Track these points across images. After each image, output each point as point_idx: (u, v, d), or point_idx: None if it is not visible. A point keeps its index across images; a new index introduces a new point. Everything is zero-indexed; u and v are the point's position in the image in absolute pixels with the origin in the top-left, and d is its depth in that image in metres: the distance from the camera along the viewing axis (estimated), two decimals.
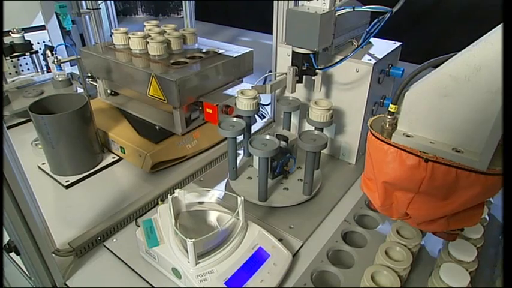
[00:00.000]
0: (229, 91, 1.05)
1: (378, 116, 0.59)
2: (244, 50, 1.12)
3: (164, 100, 0.96)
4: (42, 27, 1.47)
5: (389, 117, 0.55)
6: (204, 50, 1.12)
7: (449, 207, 0.53)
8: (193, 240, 0.57)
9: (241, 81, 1.13)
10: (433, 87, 0.50)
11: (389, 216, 0.61)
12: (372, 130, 0.56)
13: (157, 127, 1.04)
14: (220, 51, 1.11)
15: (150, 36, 1.07)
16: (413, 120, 0.53)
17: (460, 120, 0.49)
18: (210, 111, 0.97)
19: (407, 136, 0.53)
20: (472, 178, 0.49)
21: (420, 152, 0.50)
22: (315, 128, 0.81)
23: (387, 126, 0.55)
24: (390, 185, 0.55)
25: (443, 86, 0.48)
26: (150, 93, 0.99)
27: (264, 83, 0.86)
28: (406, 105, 0.54)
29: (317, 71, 0.82)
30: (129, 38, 1.08)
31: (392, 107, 0.54)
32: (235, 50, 1.11)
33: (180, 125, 1.00)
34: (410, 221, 0.60)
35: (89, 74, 1.20)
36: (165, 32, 1.13)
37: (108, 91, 1.21)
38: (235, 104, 0.84)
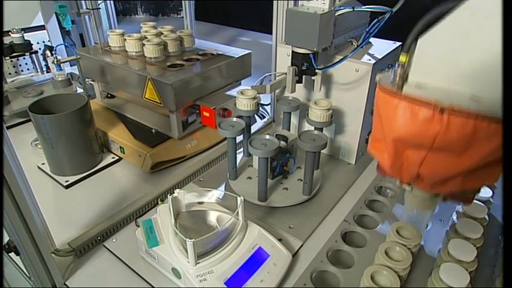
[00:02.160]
0: (227, 94, 1.04)
1: (386, 72, 0.55)
2: (242, 51, 1.10)
3: (160, 103, 0.95)
4: (41, 27, 1.47)
5: (399, 69, 0.51)
6: (201, 52, 1.10)
7: (466, 163, 0.48)
8: (193, 240, 0.57)
9: (240, 84, 1.12)
10: (450, 27, 0.45)
11: (399, 179, 0.57)
12: (380, 84, 0.51)
13: (153, 131, 1.03)
14: (218, 53, 1.09)
15: (146, 38, 1.06)
16: (426, 68, 0.49)
17: (479, 63, 0.44)
18: (207, 114, 0.96)
19: (420, 87, 0.49)
20: (492, 128, 0.44)
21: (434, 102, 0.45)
22: (315, 128, 0.81)
23: (397, 79, 0.51)
24: (401, 142, 0.50)
25: (461, 25, 0.44)
26: (146, 97, 0.97)
27: (261, 83, 0.86)
28: (418, 52, 0.50)
29: (317, 71, 0.82)
30: (125, 39, 1.07)
31: (403, 57, 0.50)
32: (234, 52, 1.10)
33: (176, 129, 0.99)
34: (422, 184, 0.55)
35: None
36: (162, 33, 1.11)
37: (105, 94, 1.20)
38: (235, 105, 0.84)
